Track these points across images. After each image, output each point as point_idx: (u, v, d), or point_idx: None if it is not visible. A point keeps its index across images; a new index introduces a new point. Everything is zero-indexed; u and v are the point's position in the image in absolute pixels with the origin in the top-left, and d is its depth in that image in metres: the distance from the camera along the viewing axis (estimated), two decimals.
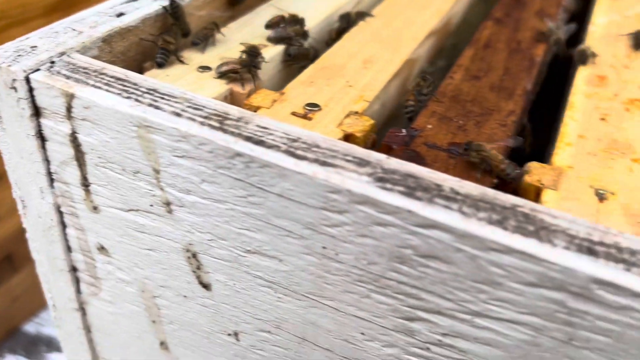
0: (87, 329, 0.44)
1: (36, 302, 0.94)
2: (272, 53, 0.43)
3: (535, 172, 0.33)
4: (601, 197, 0.32)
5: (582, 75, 0.43)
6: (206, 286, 0.35)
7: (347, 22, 0.47)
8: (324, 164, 0.28)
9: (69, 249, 0.40)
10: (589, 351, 0.26)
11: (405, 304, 0.29)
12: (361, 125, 0.35)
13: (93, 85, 0.32)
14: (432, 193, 0.27)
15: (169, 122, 0.30)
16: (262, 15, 0.47)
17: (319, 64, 0.41)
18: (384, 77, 0.40)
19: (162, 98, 0.31)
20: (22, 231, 0.87)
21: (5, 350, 0.88)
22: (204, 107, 0.31)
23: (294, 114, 0.36)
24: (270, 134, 0.30)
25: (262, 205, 0.30)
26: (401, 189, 0.27)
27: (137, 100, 0.31)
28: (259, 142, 0.29)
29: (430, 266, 0.27)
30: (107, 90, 0.32)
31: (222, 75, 0.38)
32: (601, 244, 0.25)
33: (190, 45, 0.42)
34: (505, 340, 0.28)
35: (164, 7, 0.41)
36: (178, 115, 0.30)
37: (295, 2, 0.51)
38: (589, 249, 0.25)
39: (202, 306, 0.36)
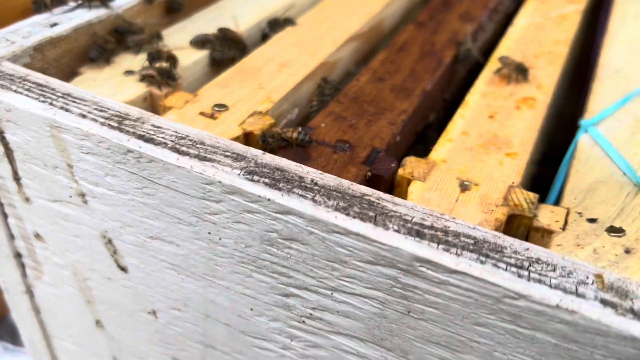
0: (37, 310, 0.49)
1: None
2: (198, 56, 0.47)
3: (409, 165, 0.37)
4: (464, 187, 0.35)
5: (484, 76, 0.47)
6: (123, 269, 0.39)
7: (274, 27, 0.51)
8: (203, 159, 0.32)
9: (12, 236, 0.44)
10: (425, 322, 0.30)
11: (280, 281, 0.33)
12: (261, 124, 0.39)
13: (15, 91, 0.36)
14: (293, 184, 0.31)
15: (74, 123, 0.34)
16: (196, 21, 0.51)
17: (236, 67, 0.45)
18: (295, 79, 0.44)
19: (74, 102, 0.36)
20: None
21: None
22: (108, 109, 0.35)
23: (202, 113, 0.40)
24: (162, 132, 0.34)
25: (155, 195, 0.34)
26: (267, 180, 0.31)
27: (51, 104, 0.35)
28: (149, 140, 0.33)
29: (292, 247, 0.31)
30: (26, 95, 0.36)
31: (142, 78, 0.42)
32: (431, 227, 0.29)
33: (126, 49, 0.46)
34: (361, 312, 0.31)
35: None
36: (84, 116, 0.34)
37: (235, 6, 0.55)
38: (417, 231, 0.29)
39: (124, 287, 0.41)
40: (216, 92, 0.42)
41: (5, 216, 0.43)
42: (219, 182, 0.31)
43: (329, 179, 0.31)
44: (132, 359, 0.46)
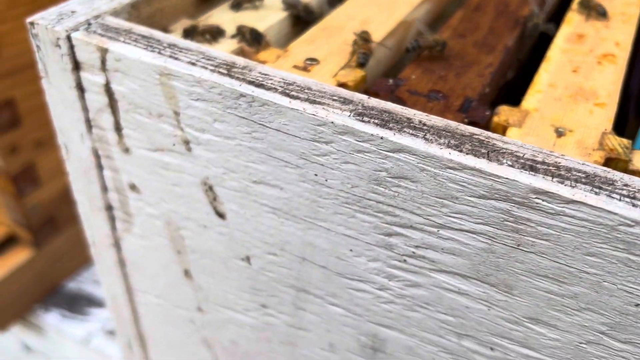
0: (122, 263, 0.51)
1: (77, 262, 1.02)
2: (282, 16, 0.48)
3: (503, 113, 0.38)
4: (560, 133, 0.36)
5: (562, 33, 0.47)
6: (222, 215, 0.41)
7: None
8: (313, 102, 0.33)
9: (105, 188, 0.46)
10: (534, 254, 0.31)
11: (384, 220, 0.34)
12: (353, 77, 0.40)
13: (123, 42, 0.38)
14: (402, 124, 0.32)
15: (186, 70, 0.35)
16: None
17: (320, 25, 0.46)
18: (377, 37, 0.45)
19: (181, 51, 0.37)
20: (64, 194, 0.94)
21: (50, 304, 0.96)
22: (215, 57, 0.37)
23: (295, 67, 0.41)
24: (270, 79, 0.35)
25: (264, 139, 0.35)
26: (377, 121, 0.32)
27: (159, 53, 0.37)
28: (260, 85, 0.35)
29: (401, 185, 0.32)
30: (134, 45, 0.38)
31: (235, 35, 0.44)
32: (543, 162, 0.30)
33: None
34: (467, 249, 0.33)
35: None
36: (193, 64, 0.36)
37: None
38: (530, 166, 0.30)
39: (219, 234, 0.42)
40: (304, 48, 0.43)
41: (101, 168, 0.45)
42: (332, 122, 0.32)
43: (437, 120, 0.33)
44: (218, 308, 0.48)
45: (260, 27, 0.45)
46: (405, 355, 0.40)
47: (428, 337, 0.38)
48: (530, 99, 0.40)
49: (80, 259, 1.00)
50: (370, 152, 0.32)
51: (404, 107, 0.33)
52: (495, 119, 0.37)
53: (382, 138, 0.31)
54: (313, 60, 0.42)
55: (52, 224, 0.94)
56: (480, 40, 0.46)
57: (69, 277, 1.02)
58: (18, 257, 0.91)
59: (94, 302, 0.98)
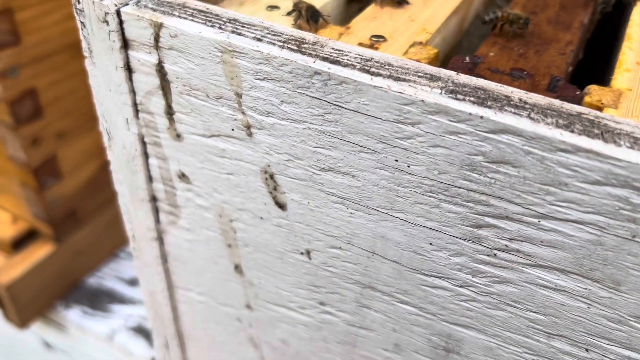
0: (164, 258, 0.48)
1: (97, 257, 0.99)
2: None
3: (595, 93, 0.34)
4: None
5: (638, 10, 0.44)
6: (282, 206, 0.38)
7: None
8: (397, 79, 0.30)
9: (150, 178, 0.43)
10: None
11: (474, 211, 0.31)
12: (426, 54, 0.37)
13: (178, 16, 0.35)
14: (501, 102, 0.29)
15: (252, 46, 0.32)
16: None
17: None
18: (443, 13, 0.42)
19: (243, 26, 0.34)
20: (86, 187, 0.91)
21: (71, 301, 0.94)
22: (282, 33, 0.33)
23: (360, 44, 0.38)
24: (345, 55, 0.32)
25: (338, 122, 0.32)
26: (472, 99, 0.29)
27: (220, 28, 0.34)
28: (335, 62, 0.31)
29: (499, 171, 0.29)
30: (192, 20, 0.34)
31: (289, 13, 0.40)
32: None
33: None
34: (571, 241, 0.29)
35: None
36: (259, 40, 0.33)
37: None
38: None
39: (277, 226, 0.39)
40: (367, 25, 0.40)
41: (147, 157, 0.42)
42: (422, 101, 0.29)
43: (538, 98, 0.29)
44: (269, 305, 0.45)
45: (316, 4, 0.42)
46: (482, 357, 0.37)
47: (512, 337, 0.35)
48: (620, 78, 0.36)
49: (101, 254, 0.97)
50: (466, 134, 0.29)
51: (499, 84, 0.30)
52: (587, 99, 0.34)
53: (482, 118, 0.28)
54: (379, 38, 0.38)
55: (74, 217, 0.91)
56: (554, 18, 0.42)
57: (89, 272, 0.99)
58: (39, 252, 0.88)
59: (116, 298, 0.95)
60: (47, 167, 0.83)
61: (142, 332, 0.88)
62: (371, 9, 0.42)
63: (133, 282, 0.96)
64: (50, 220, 0.86)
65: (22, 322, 0.88)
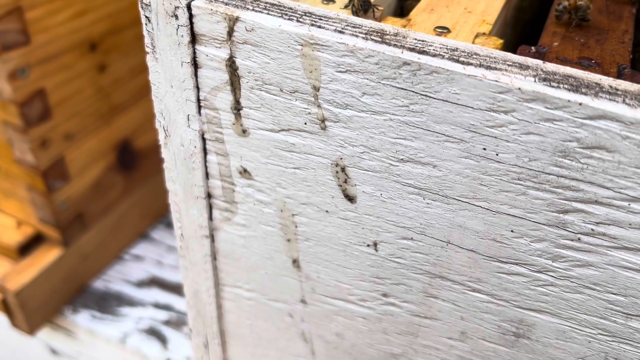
0: (214, 255, 0.47)
1: (104, 260, 0.97)
2: None
3: None
4: None
5: None
6: (351, 199, 0.38)
7: None
8: (488, 67, 0.30)
9: (207, 175, 0.42)
10: None
11: (562, 197, 0.32)
12: (492, 44, 0.37)
13: (253, 10, 0.34)
14: (594, 89, 0.29)
15: (335, 38, 0.32)
16: None
17: None
18: (497, 4, 0.42)
19: (320, 19, 0.34)
20: (92, 189, 0.90)
21: (78, 305, 0.92)
22: (361, 25, 0.33)
23: None
24: (430, 45, 0.32)
25: (424, 112, 0.32)
26: (566, 86, 0.29)
27: (298, 21, 0.33)
28: (423, 52, 0.31)
29: (593, 157, 0.30)
30: (267, 14, 0.34)
31: (346, 6, 0.40)
32: None
33: None
34: None
35: None
36: (341, 32, 0.33)
37: None
38: None
39: (343, 219, 0.39)
40: (427, 16, 0.40)
41: (206, 153, 0.41)
42: (518, 89, 0.29)
43: (626, 84, 0.30)
44: (326, 299, 0.45)
45: None
46: (554, 340, 0.38)
47: (588, 319, 0.36)
48: None
49: (107, 257, 0.96)
50: (562, 121, 0.29)
51: (587, 72, 0.31)
52: None
53: (580, 104, 0.28)
54: (444, 29, 0.39)
55: (81, 220, 0.90)
56: (603, 7, 0.43)
57: (95, 276, 0.98)
58: (46, 257, 0.86)
59: (124, 301, 0.94)
60: (56, 170, 0.81)
61: (155, 334, 0.87)
62: (426, 2, 0.42)
63: (140, 285, 0.95)
64: (58, 224, 0.84)
65: (31, 329, 0.86)
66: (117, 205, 0.93)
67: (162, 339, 0.86)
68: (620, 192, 0.30)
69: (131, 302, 0.91)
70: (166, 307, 0.89)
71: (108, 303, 0.94)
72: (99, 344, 0.90)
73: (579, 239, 0.33)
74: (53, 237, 0.85)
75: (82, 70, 0.77)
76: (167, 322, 0.88)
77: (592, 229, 0.32)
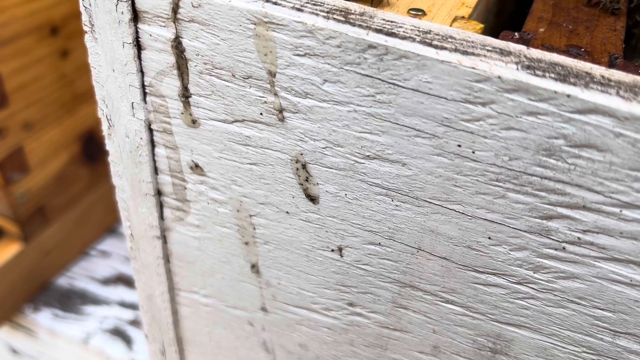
0: (166, 258, 0.43)
1: (67, 256, 0.93)
2: None
3: None
4: None
5: None
6: (313, 199, 0.34)
7: None
8: (465, 53, 0.27)
9: (155, 170, 0.38)
10: None
11: (546, 201, 0.28)
12: (472, 28, 0.34)
13: None
14: (584, 79, 0.26)
15: (293, 17, 0.28)
16: None
17: None
18: None
19: None
20: (54, 182, 0.85)
21: (40, 303, 0.88)
22: (323, 3, 0.29)
23: None
24: (400, 27, 0.28)
25: (392, 103, 0.28)
26: (553, 75, 0.26)
27: None
28: (391, 34, 0.28)
29: (581, 156, 0.26)
30: None
31: None
32: None
33: None
34: None
35: None
36: (299, 10, 0.29)
37: None
38: None
39: (305, 222, 0.35)
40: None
41: (153, 146, 0.37)
42: (498, 77, 0.26)
43: (621, 74, 0.26)
44: (288, 307, 0.41)
45: None
46: (534, 358, 0.34)
47: (572, 336, 0.32)
48: None
49: (71, 252, 0.91)
50: (547, 115, 0.26)
51: (576, 60, 0.27)
52: None
53: (568, 96, 0.25)
54: (418, 11, 0.35)
55: (42, 214, 0.85)
56: None
57: (58, 273, 0.93)
58: (5, 252, 0.82)
59: (89, 299, 0.90)
60: (13, 161, 0.76)
61: (120, 334, 0.83)
62: None
63: (106, 282, 0.90)
64: (17, 217, 0.79)
65: None
66: (81, 198, 0.88)
67: (127, 340, 0.82)
68: (611, 197, 0.27)
69: (96, 301, 0.87)
70: (132, 306, 0.85)
71: (71, 301, 0.90)
72: (60, 344, 0.85)
73: (564, 248, 0.29)
74: (12, 231, 0.81)
75: (42, 55, 0.73)
76: (133, 322, 0.83)
77: (579, 238, 0.28)
